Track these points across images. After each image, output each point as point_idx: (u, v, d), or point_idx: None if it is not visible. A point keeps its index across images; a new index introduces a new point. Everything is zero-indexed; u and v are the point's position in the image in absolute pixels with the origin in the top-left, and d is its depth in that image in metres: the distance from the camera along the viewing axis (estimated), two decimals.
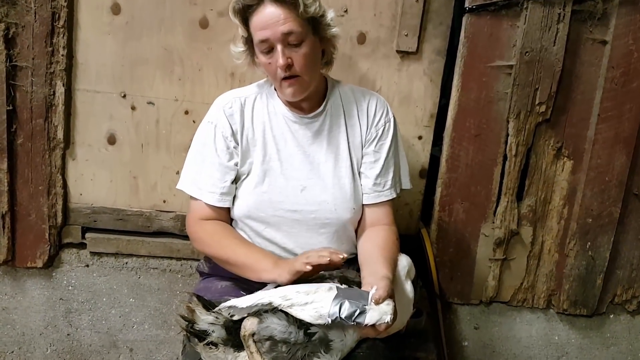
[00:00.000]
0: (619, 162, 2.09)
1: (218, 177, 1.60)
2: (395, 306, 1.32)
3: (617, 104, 2.04)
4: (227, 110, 1.61)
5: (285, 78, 1.51)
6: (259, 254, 1.56)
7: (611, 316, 2.33)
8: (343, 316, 1.28)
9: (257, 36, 1.49)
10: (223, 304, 1.41)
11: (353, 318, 1.28)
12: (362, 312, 1.28)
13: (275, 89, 1.65)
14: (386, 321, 1.28)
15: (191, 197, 1.65)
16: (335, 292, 1.33)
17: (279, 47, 1.47)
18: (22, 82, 1.97)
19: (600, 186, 2.11)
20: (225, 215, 1.65)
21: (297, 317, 1.33)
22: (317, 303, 1.32)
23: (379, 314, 1.28)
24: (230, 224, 1.68)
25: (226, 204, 1.62)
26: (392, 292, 1.36)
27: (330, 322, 1.29)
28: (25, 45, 1.95)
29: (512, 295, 2.24)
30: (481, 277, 2.21)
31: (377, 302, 1.30)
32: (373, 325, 1.29)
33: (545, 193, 2.14)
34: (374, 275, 1.41)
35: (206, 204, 1.61)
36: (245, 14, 1.51)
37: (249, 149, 1.62)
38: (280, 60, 1.47)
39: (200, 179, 1.61)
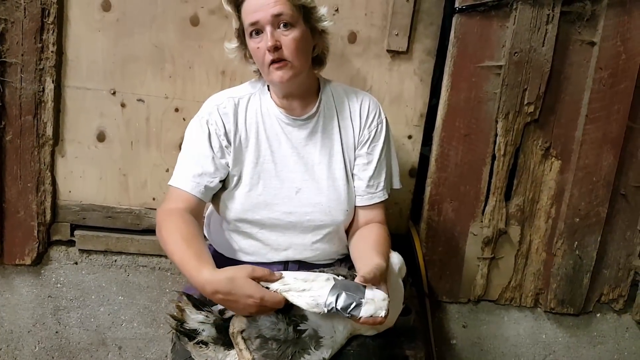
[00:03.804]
0: (607, 162, 2.11)
1: (211, 171, 1.56)
2: (389, 302, 1.33)
3: (605, 104, 2.06)
4: (222, 110, 1.59)
5: (273, 62, 1.48)
6: (193, 253, 1.41)
7: (598, 315, 2.35)
8: (339, 307, 1.29)
9: (248, 20, 1.48)
10: None
11: (349, 310, 1.29)
12: (358, 305, 1.29)
13: (268, 89, 1.64)
14: (381, 315, 1.29)
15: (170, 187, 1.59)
16: (332, 282, 1.35)
17: (267, 29, 1.46)
18: (11, 79, 1.96)
19: (587, 186, 2.13)
20: (199, 210, 1.59)
21: (294, 303, 1.33)
22: (314, 291, 1.33)
23: (374, 308, 1.29)
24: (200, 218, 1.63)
25: (206, 199, 1.58)
26: (386, 287, 1.37)
27: (326, 311, 1.30)
28: (14, 42, 1.94)
29: (500, 293, 2.26)
30: (470, 276, 2.22)
31: (366, 280, 1.32)
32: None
33: (533, 193, 2.16)
34: (367, 265, 1.41)
35: (188, 193, 1.54)
36: (237, 1, 1.50)
37: (241, 150, 1.61)
38: (269, 42, 1.45)
39: (190, 171, 1.56)
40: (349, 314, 1.29)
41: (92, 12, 1.97)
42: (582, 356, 2.38)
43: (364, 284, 1.34)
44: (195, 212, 1.55)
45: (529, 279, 2.25)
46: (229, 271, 1.33)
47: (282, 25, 1.47)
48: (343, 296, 1.30)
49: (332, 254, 1.70)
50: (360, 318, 1.29)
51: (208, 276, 1.33)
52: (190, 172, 1.56)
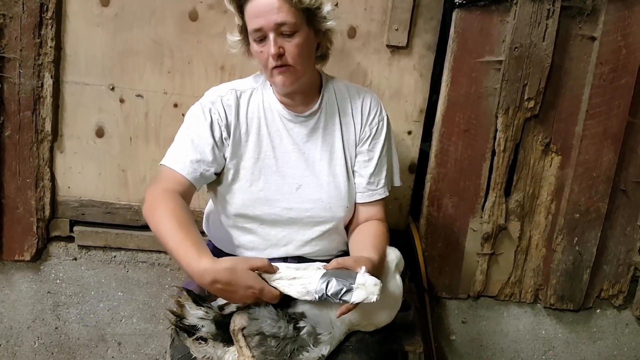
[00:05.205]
0: (607, 157, 2.11)
1: (209, 160, 1.54)
2: (381, 287, 1.32)
3: (606, 100, 2.05)
4: (225, 101, 1.58)
5: (276, 67, 1.49)
6: (191, 242, 1.37)
7: (598, 311, 2.35)
8: (329, 293, 1.29)
9: (251, 25, 1.48)
10: None
11: (339, 296, 1.29)
12: (349, 291, 1.29)
13: (270, 84, 1.63)
14: (373, 300, 1.29)
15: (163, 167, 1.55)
16: (323, 270, 1.35)
17: (271, 36, 1.45)
18: (10, 74, 1.95)
19: (587, 182, 2.13)
20: (189, 196, 1.54)
21: (284, 292, 1.34)
22: (305, 279, 1.34)
23: (365, 293, 1.29)
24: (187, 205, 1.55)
25: (198, 186, 1.55)
26: (377, 274, 1.38)
27: (317, 298, 1.30)
28: (13, 37, 1.93)
29: (500, 289, 2.26)
30: (469, 272, 2.22)
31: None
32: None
33: (533, 188, 2.16)
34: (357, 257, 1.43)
35: (183, 177, 1.51)
36: (240, 1, 1.49)
37: (240, 144, 1.60)
38: (272, 49, 1.45)
39: (188, 156, 1.53)
40: (340, 299, 1.29)
41: (90, 7, 1.97)
42: (582, 352, 2.38)
43: (355, 270, 1.34)
44: (186, 197, 1.52)
45: (528, 274, 2.25)
46: (229, 261, 1.33)
47: (285, 31, 1.46)
48: (333, 282, 1.30)
49: (332, 250, 1.70)
50: (352, 303, 1.29)
51: (208, 265, 1.31)
52: (189, 157, 1.53)
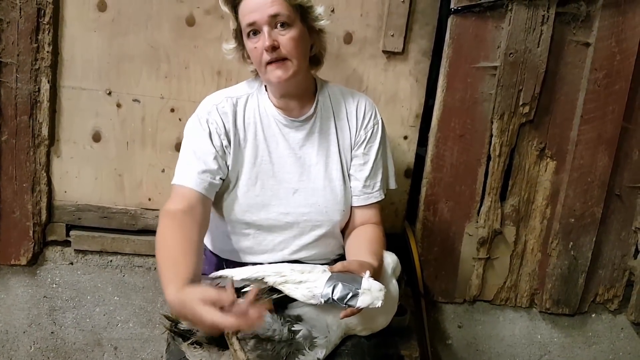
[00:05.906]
0: (602, 162, 2.12)
1: (214, 169, 1.53)
2: (385, 292, 1.33)
3: (600, 105, 2.06)
4: (221, 109, 1.58)
5: (271, 62, 1.48)
6: (176, 262, 1.34)
7: (593, 315, 2.35)
8: (335, 298, 1.29)
9: (245, 20, 1.48)
10: (214, 273, 1.41)
11: (345, 301, 1.29)
12: (355, 295, 1.29)
13: (265, 89, 1.64)
14: (377, 306, 1.29)
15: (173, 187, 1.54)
16: (328, 274, 1.35)
17: (265, 29, 1.46)
18: (7, 79, 1.96)
19: (582, 186, 2.13)
20: (204, 208, 1.52)
21: (290, 295, 1.34)
22: (310, 283, 1.33)
23: (370, 298, 1.29)
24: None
25: (210, 196, 1.54)
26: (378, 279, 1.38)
27: (322, 302, 1.30)
28: (10, 42, 1.93)
29: (496, 294, 2.26)
30: (465, 276, 2.22)
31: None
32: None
33: (528, 193, 2.16)
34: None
35: (192, 190, 1.49)
36: (234, 2, 1.50)
37: (240, 151, 1.60)
38: (267, 42, 1.45)
39: (194, 168, 1.52)
40: (345, 304, 1.30)
41: (87, 12, 1.97)
42: (578, 356, 2.38)
43: (360, 275, 1.34)
44: (199, 210, 1.48)
45: (524, 279, 2.26)
46: (185, 293, 1.22)
47: (279, 25, 1.47)
48: (339, 287, 1.31)
49: (328, 254, 1.71)
50: (357, 308, 1.30)
51: (169, 295, 1.25)
52: (194, 169, 1.52)
